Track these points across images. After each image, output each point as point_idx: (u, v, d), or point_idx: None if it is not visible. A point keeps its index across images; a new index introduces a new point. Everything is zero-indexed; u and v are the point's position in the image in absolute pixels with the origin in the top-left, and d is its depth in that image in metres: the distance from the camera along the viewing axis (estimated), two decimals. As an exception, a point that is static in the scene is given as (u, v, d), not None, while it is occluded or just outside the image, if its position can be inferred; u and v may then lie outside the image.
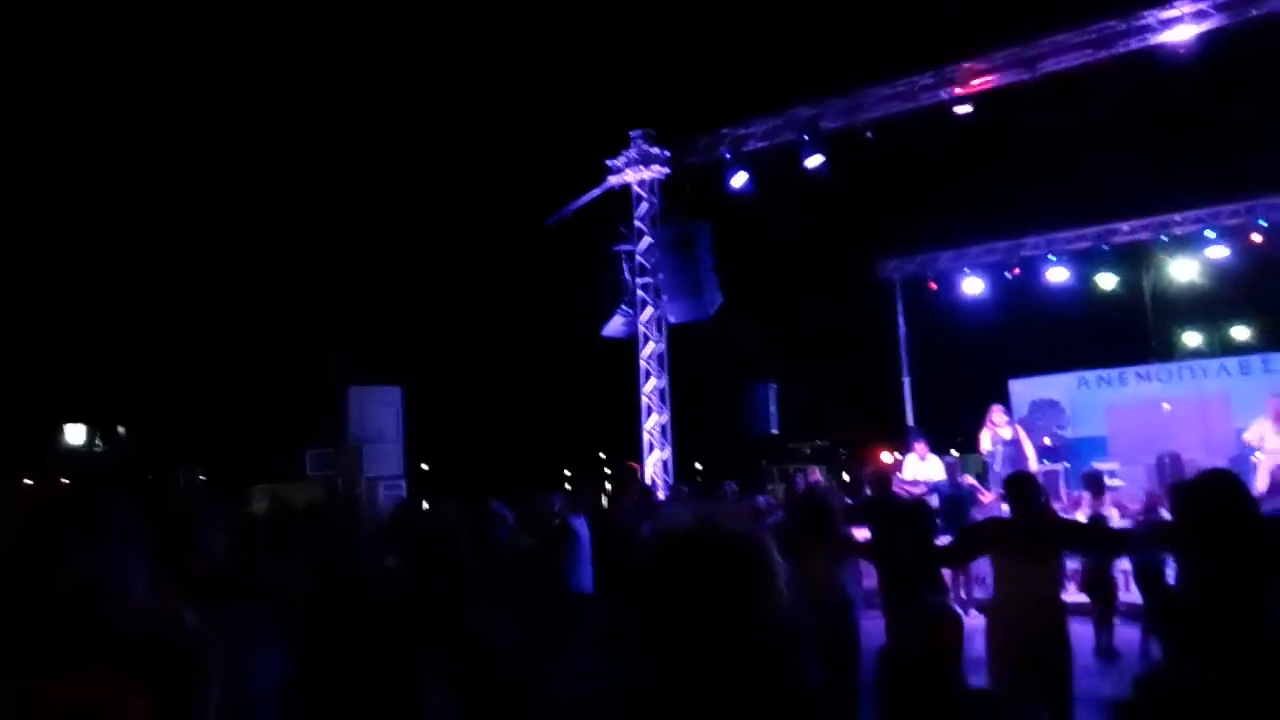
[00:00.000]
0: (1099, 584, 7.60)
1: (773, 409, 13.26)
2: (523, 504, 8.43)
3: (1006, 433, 11.07)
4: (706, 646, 1.18)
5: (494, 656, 3.60)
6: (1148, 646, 6.84)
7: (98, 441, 28.17)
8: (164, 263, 27.93)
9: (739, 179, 12.40)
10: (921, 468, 11.32)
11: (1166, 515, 6.62)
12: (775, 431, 13.52)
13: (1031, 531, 4.69)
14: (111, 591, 1.31)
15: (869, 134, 11.55)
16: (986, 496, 10.91)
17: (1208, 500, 3.42)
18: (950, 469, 10.90)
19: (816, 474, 10.48)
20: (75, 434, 29.34)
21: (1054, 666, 4.54)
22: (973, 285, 15.91)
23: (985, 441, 11.29)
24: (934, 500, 10.49)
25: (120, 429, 28.76)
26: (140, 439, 28.18)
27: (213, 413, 27.78)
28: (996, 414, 11.36)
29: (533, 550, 7.40)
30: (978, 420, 11.54)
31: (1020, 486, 4.83)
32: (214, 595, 1.99)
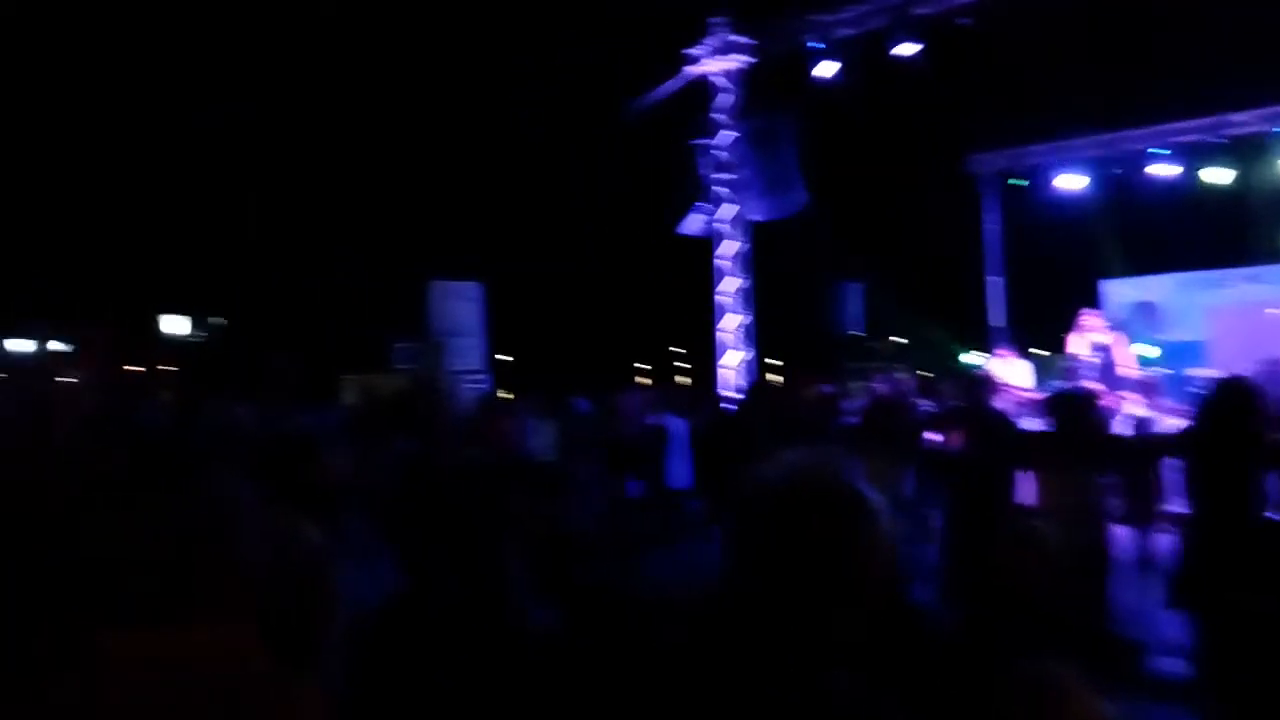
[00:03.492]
0: (1136, 494, 7.46)
1: (858, 308, 13.05)
2: (604, 400, 8.55)
3: (1099, 337, 10.69)
4: (809, 585, 1.24)
5: (576, 549, 3.71)
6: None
7: (197, 331, 29.40)
8: (260, 159, 28.45)
9: (826, 69, 11.91)
10: (1006, 372, 11.06)
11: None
12: (860, 332, 13.35)
13: (1072, 446, 4.80)
14: (220, 532, 1.30)
15: (965, 20, 10.93)
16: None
17: (1212, 408, 3.76)
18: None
19: (900, 376, 10.29)
20: (175, 324, 30.56)
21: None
22: (1069, 181, 15.16)
23: (1075, 345, 10.94)
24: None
25: (218, 320, 29.93)
26: (239, 330, 29.36)
27: (305, 305, 28.71)
28: (1088, 318, 10.96)
29: (618, 446, 7.51)
30: (1066, 323, 11.15)
31: (1066, 403, 4.95)
32: (332, 507, 2.03)
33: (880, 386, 9.91)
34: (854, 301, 13.28)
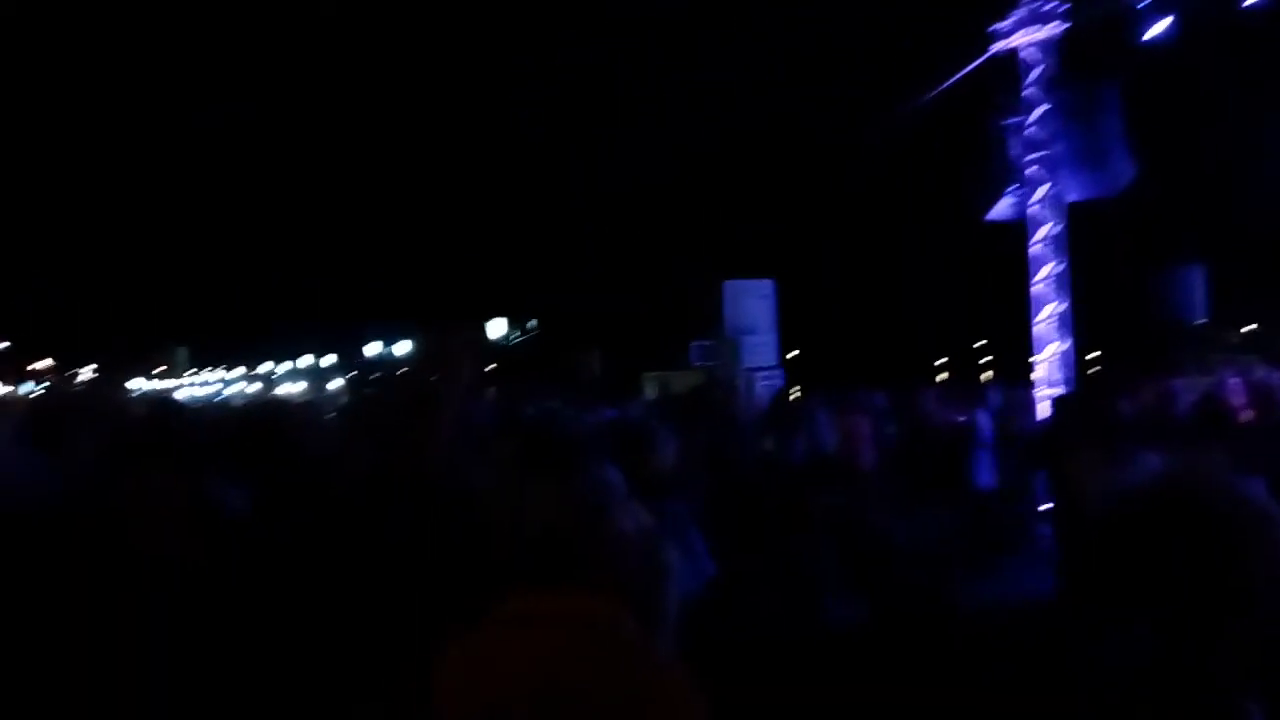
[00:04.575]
0: None
1: (1200, 293, 11.53)
2: (903, 396, 8.23)
3: None
4: (1190, 607, 1.09)
5: (880, 549, 3.58)
6: None
7: (515, 334, 32.16)
8: (567, 179, 30.62)
9: (1158, 26, 10.63)
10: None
11: None
12: (1204, 319, 11.80)
13: None
14: (595, 515, 1.45)
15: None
16: None
17: None
18: None
19: (1258, 369, 8.98)
20: (495, 327, 33.56)
21: None
22: None
23: None
24: None
25: (533, 322, 32.55)
26: (551, 332, 31.78)
27: (611, 308, 30.50)
28: None
29: (919, 445, 7.23)
30: None
31: None
32: (661, 494, 2.16)
33: (1233, 381, 8.68)
34: (1195, 286, 11.72)
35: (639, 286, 30.27)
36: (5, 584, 2.02)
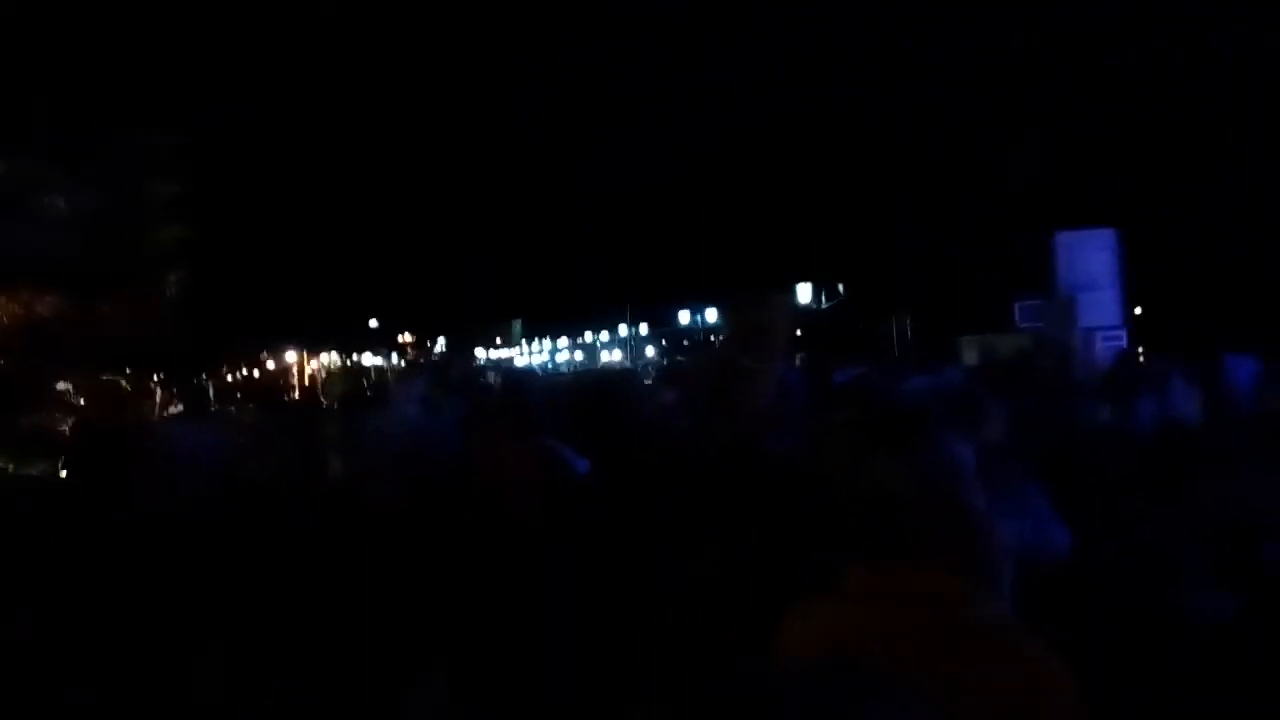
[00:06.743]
0: None
1: None
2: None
3: None
4: None
5: (1258, 535, 3.15)
6: None
7: (822, 299, 31.77)
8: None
9: None
10: None
11: None
12: None
13: None
14: (943, 490, 1.41)
15: None
16: None
17: None
18: None
19: None
20: (799, 292, 33.40)
21: None
22: None
23: None
24: None
25: (840, 286, 31.97)
26: (858, 295, 31.07)
27: (925, 266, 29.24)
28: None
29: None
30: None
31: None
32: (994, 468, 2.06)
33: None
34: None
35: (954, 241, 28.67)
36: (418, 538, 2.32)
